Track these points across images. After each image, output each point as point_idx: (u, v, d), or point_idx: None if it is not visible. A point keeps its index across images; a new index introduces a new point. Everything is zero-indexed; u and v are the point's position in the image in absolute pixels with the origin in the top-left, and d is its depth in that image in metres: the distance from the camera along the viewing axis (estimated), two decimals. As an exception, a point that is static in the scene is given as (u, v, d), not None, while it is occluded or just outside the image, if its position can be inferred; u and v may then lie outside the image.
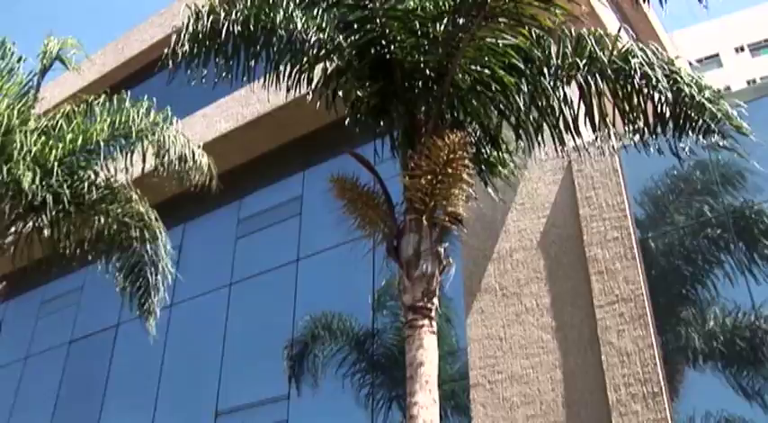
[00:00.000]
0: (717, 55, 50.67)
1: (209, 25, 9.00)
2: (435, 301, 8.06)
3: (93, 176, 13.11)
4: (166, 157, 12.99)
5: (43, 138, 12.64)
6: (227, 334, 17.86)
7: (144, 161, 13.12)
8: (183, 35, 9.01)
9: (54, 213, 12.89)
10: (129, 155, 13.24)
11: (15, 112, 12.58)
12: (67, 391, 21.34)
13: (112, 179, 13.38)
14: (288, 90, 9.26)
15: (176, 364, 18.78)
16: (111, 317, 20.77)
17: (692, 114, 8.50)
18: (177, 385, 18.55)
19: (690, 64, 9.11)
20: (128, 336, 20.20)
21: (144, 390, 18.85)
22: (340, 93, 9.35)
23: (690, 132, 8.57)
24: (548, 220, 13.24)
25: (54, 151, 12.47)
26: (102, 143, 12.80)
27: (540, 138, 9.21)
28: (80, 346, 21.67)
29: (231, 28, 8.93)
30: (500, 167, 9.71)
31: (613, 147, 11.70)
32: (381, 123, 9.41)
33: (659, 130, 8.74)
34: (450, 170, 7.95)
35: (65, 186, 12.66)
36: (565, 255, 12.84)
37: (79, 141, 12.74)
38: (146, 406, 18.50)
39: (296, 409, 15.66)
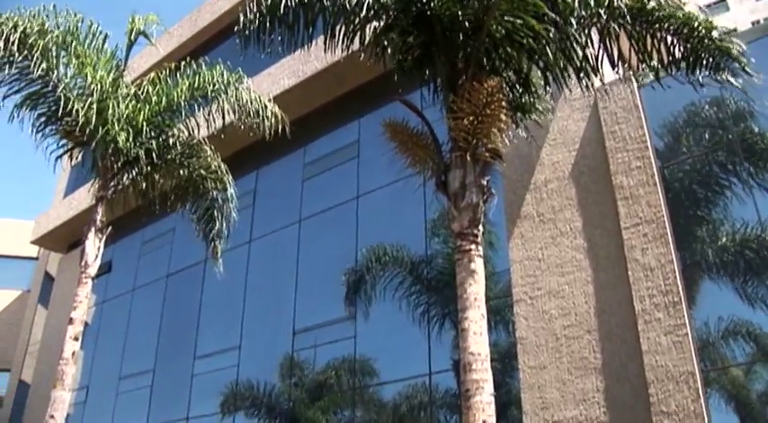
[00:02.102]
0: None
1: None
2: (480, 227, 8.04)
3: (176, 133, 13.26)
4: (242, 111, 13.04)
5: (133, 102, 12.79)
6: (300, 264, 18.07)
7: (223, 116, 13.17)
8: (250, 9, 9.03)
9: (146, 167, 13.09)
10: (209, 112, 13.33)
11: (108, 81, 12.70)
12: (168, 316, 21.89)
13: (193, 135, 13.51)
14: (342, 48, 9.18)
15: (257, 292, 19.10)
16: (199, 253, 21.06)
17: (703, 54, 8.30)
18: (259, 309, 18.88)
19: (699, 8, 8.83)
20: (215, 269, 20.55)
21: (231, 314, 19.23)
22: (388, 48, 9.25)
23: (701, 70, 8.37)
24: (577, 153, 13.07)
25: (142, 113, 12.63)
26: (183, 103, 12.92)
27: (566, 80, 9.04)
28: (176, 279, 22.14)
29: (290, 1, 8.88)
30: (532, 108, 9.57)
31: (638, 82, 11.49)
32: (426, 72, 9.31)
33: (673, 68, 8.53)
34: (489, 111, 7.87)
35: (153, 143, 12.85)
36: (593, 183, 12.70)
37: (163, 103, 12.89)
38: (233, 328, 18.89)
39: (362, 326, 15.86)
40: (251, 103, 12.98)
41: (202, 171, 13.35)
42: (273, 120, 13.11)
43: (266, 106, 13.13)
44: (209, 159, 13.31)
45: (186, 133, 13.48)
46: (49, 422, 10.87)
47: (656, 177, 11.85)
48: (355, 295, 16.18)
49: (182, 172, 13.32)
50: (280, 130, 13.13)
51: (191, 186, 13.53)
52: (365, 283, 16.13)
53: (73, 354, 11.41)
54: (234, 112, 13.16)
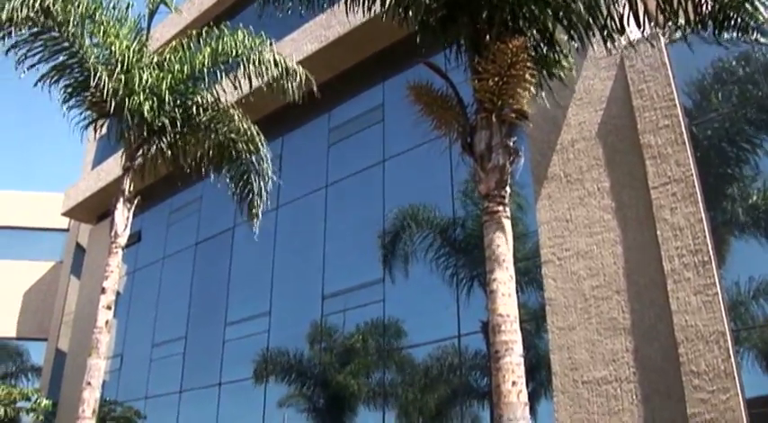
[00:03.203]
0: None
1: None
2: (507, 189, 7.99)
3: (200, 100, 13.24)
4: (267, 75, 12.97)
5: (156, 71, 12.77)
6: (327, 229, 18.14)
7: (250, 81, 13.11)
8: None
9: (172, 136, 13.13)
10: (234, 78, 13.28)
11: (132, 51, 12.69)
12: (198, 284, 22.15)
13: (218, 102, 13.49)
14: (364, 11, 9.09)
15: (286, 258, 19.23)
16: (227, 221, 21.28)
17: (731, 13, 8.11)
18: (288, 275, 19.03)
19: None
20: (243, 236, 20.68)
21: (260, 281, 19.39)
22: (411, 9, 9.13)
23: (729, 30, 8.19)
24: (604, 113, 12.91)
25: (165, 82, 12.60)
26: (205, 70, 12.87)
27: (592, 38, 8.90)
28: (205, 247, 22.36)
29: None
30: (557, 67, 9.43)
31: (665, 39, 11.28)
32: (449, 34, 9.19)
33: (700, 28, 8.36)
34: (514, 72, 7.78)
35: (177, 111, 12.85)
36: (621, 143, 12.55)
37: (186, 71, 12.85)
38: (263, 294, 19.06)
39: (391, 290, 15.92)
40: (275, 65, 12.89)
41: (233, 135, 13.32)
42: (299, 81, 12.99)
43: (290, 67, 13.01)
44: (238, 123, 13.27)
45: (212, 99, 13.44)
46: (86, 389, 11.07)
47: (684, 136, 11.68)
48: (390, 255, 16.21)
49: (213, 136, 13.31)
50: (306, 94, 13.03)
51: (223, 151, 13.53)
52: (400, 242, 16.15)
53: (106, 322, 11.58)
54: (259, 76, 13.08)
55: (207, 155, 13.59)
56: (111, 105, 12.24)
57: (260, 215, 13.84)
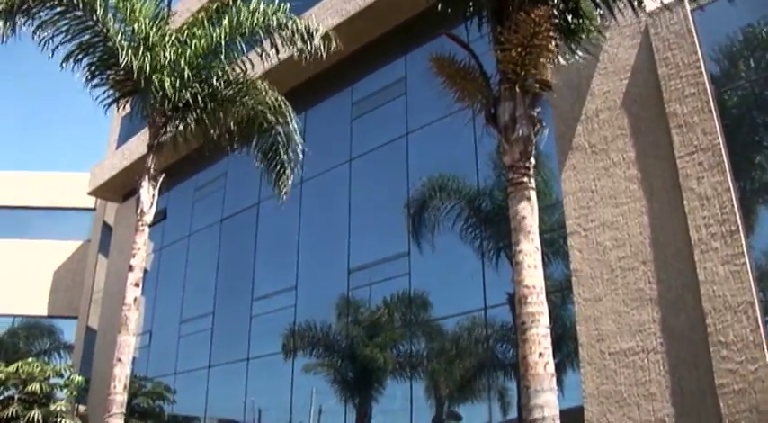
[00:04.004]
0: None
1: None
2: (532, 160, 7.96)
3: (221, 73, 13.18)
4: (288, 38, 12.87)
5: (176, 47, 12.73)
6: (352, 203, 18.17)
7: (277, 50, 13.03)
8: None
9: (195, 112, 13.14)
10: (261, 47, 13.21)
11: (155, 28, 12.69)
12: (225, 260, 22.33)
13: (245, 75, 13.44)
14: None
15: (311, 232, 19.31)
16: (252, 196, 21.38)
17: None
18: (313, 250, 19.12)
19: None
20: (268, 211, 20.82)
21: (286, 255, 19.50)
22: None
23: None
24: (629, 82, 12.76)
25: (184, 57, 12.56)
26: (223, 43, 12.76)
27: (616, 6, 8.78)
28: (230, 223, 22.51)
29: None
30: (581, 35, 9.33)
31: (693, 4, 11.10)
32: (471, 4, 9.11)
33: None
34: (537, 42, 7.72)
35: (200, 87, 12.84)
36: (646, 112, 12.41)
37: (205, 45, 12.77)
38: (289, 269, 19.17)
39: (416, 263, 15.95)
40: (297, 28, 12.76)
41: (260, 107, 13.27)
42: (323, 42, 12.86)
43: (310, 28, 12.86)
44: (265, 95, 13.21)
45: (236, 72, 13.40)
46: (117, 365, 11.23)
47: (711, 104, 11.52)
48: (419, 223, 16.20)
49: (240, 109, 13.27)
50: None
51: (252, 123, 13.49)
52: (427, 211, 16.14)
53: (135, 299, 11.72)
54: (283, 43, 12.97)
55: (236, 128, 13.57)
56: (136, 83, 12.27)
57: (289, 185, 13.83)
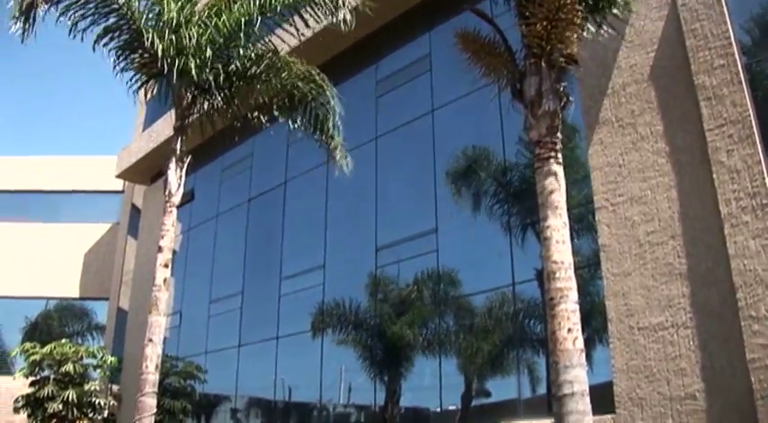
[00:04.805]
0: None
1: None
2: (559, 135, 7.91)
3: (247, 53, 13.15)
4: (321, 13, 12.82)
5: (199, 28, 12.71)
6: (378, 181, 18.17)
7: (306, 25, 12.99)
8: None
9: (225, 90, 13.15)
10: (292, 21, 13.16)
11: (183, 11, 12.68)
12: (253, 239, 22.46)
13: (276, 52, 13.39)
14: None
15: (338, 211, 19.35)
16: (278, 176, 21.46)
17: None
18: (341, 228, 19.18)
19: None
20: (295, 190, 20.89)
21: (314, 234, 19.57)
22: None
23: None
24: (656, 54, 12.59)
25: (205, 37, 12.53)
26: (243, 21, 12.71)
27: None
28: (258, 202, 22.61)
29: None
30: (607, 8, 9.21)
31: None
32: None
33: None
34: (562, 15, 7.66)
35: (222, 68, 12.82)
36: (674, 85, 12.26)
37: (230, 25, 12.73)
38: (317, 247, 19.25)
39: (444, 239, 15.94)
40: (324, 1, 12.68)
41: (295, 81, 13.21)
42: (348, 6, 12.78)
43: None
44: (295, 68, 13.15)
45: (264, 49, 13.36)
46: (148, 345, 11.37)
47: (741, 75, 11.34)
48: (458, 193, 16.17)
49: (274, 83, 13.22)
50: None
51: (288, 97, 13.45)
52: (460, 184, 16.12)
53: (164, 280, 11.83)
54: (311, 15, 12.92)
55: (274, 101, 13.54)
56: (163, 65, 12.28)
57: (340, 153, 13.81)
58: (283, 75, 13.13)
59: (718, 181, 11.01)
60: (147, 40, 12.06)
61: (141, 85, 13.47)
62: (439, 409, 15.42)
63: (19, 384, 22.18)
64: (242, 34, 12.75)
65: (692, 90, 11.79)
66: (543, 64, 7.90)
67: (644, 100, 12.49)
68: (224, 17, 12.67)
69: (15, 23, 11.73)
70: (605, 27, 9.47)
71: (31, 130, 74.31)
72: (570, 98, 8.17)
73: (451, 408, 15.31)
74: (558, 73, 8.05)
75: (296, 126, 13.70)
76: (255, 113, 13.65)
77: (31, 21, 11.82)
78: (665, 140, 12.04)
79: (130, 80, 13.26)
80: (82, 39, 12.35)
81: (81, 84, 75.74)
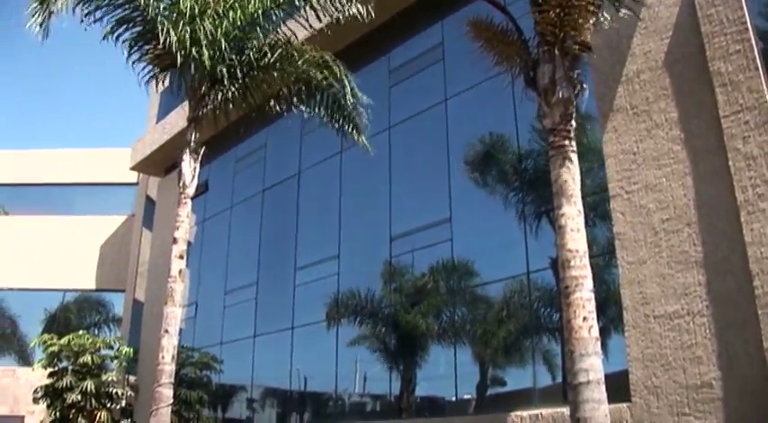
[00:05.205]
0: None
1: None
2: (573, 123, 7.88)
3: (261, 44, 13.14)
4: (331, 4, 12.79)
5: (212, 19, 12.69)
6: (393, 171, 18.16)
7: (318, 18, 12.96)
8: None
9: (239, 81, 13.14)
10: (304, 15, 13.15)
11: (198, 2, 12.67)
12: (267, 230, 22.54)
13: (289, 42, 13.38)
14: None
15: (352, 201, 19.37)
16: (292, 167, 21.50)
17: None
18: (355, 218, 19.19)
19: None
20: (308, 181, 20.93)
21: (328, 224, 19.60)
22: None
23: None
24: (671, 41, 12.49)
25: (219, 30, 12.53)
26: (260, 12, 12.69)
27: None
28: (272, 193, 22.66)
29: None
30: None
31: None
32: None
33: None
34: (576, 2, 7.62)
35: (237, 58, 12.82)
36: (689, 72, 12.16)
37: (244, 16, 12.72)
38: (331, 237, 19.28)
39: (458, 228, 15.92)
40: None
41: (311, 68, 13.19)
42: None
43: None
44: (310, 56, 13.13)
45: (277, 39, 13.34)
46: (164, 336, 11.45)
47: (757, 61, 11.23)
48: (481, 178, 16.15)
49: (291, 72, 13.20)
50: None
51: (305, 84, 13.44)
52: (487, 168, 16.08)
53: (180, 271, 11.90)
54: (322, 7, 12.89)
55: (289, 91, 13.54)
56: (176, 57, 12.29)
57: (362, 136, 13.82)
58: (299, 62, 13.10)
59: (734, 168, 10.92)
60: (162, 31, 12.07)
61: (154, 77, 13.50)
62: (454, 399, 15.44)
63: (38, 375, 22.42)
64: (257, 27, 12.75)
65: (707, 76, 11.69)
66: (557, 51, 7.87)
67: (658, 87, 12.40)
68: (239, 10, 12.65)
69: (34, 14, 11.73)
70: (619, 14, 9.39)
71: (38, 127, 74.90)
72: (584, 85, 8.14)
73: (467, 397, 15.33)
74: (572, 60, 8.02)
75: (314, 112, 13.70)
76: (272, 102, 13.66)
77: (46, 13, 11.84)
78: (679, 127, 11.96)
79: (143, 70, 13.30)
80: (97, 24, 12.35)
81: (88, 82, 76.07)
